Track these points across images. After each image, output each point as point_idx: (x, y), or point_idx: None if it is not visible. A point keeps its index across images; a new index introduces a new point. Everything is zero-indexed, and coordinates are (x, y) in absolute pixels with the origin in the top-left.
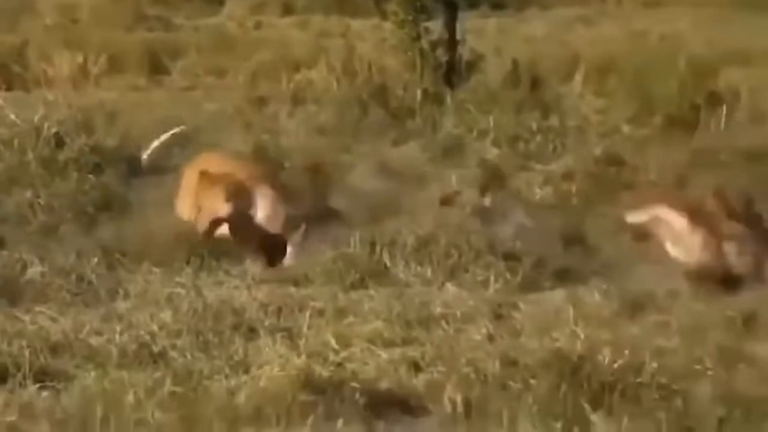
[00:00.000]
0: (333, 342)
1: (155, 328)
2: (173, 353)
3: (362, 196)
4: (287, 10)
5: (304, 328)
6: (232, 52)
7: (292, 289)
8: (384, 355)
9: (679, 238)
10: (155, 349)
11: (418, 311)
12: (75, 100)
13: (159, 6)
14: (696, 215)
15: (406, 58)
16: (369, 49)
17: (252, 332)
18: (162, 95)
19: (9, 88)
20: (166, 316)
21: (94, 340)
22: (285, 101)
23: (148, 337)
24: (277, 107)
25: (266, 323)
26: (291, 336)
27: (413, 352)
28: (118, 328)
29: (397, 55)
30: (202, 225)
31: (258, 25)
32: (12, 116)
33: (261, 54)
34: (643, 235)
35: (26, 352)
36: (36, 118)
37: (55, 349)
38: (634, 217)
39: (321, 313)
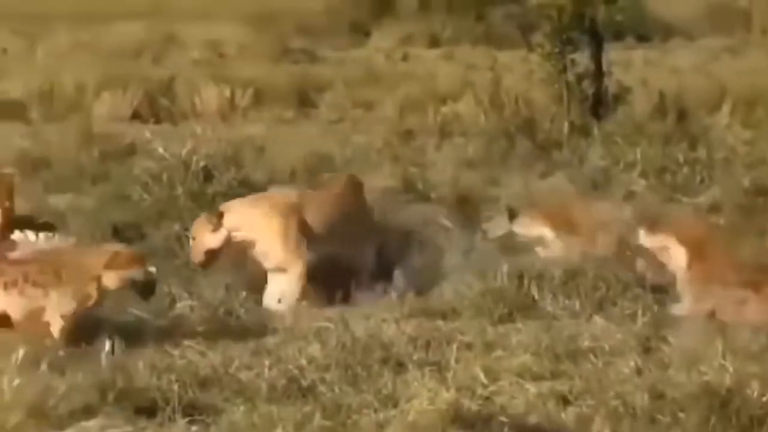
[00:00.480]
0: (481, 376)
1: (304, 362)
2: (322, 387)
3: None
4: (434, 43)
5: (453, 362)
6: (379, 85)
7: (441, 323)
8: (532, 388)
9: None
10: (304, 383)
11: (566, 344)
12: (223, 134)
13: (305, 39)
14: None
15: (552, 90)
16: (516, 82)
17: (400, 366)
18: (310, 128)
19: (157, 122)
20: (315, 350)
21: (243, 375)
22: (432, 134)
23: (296, 372)
24: (425, 140)
25: (415, 357)
26: (439, 369)
27: (561, 385)
28: (267, 363)
29: (543, 88)
30: (196, 257)
31: (405, 58)
32: (160, 150)
33: (408, 87)
34: None
35: (175, 387)
36: (184, 152)
37: (204, 384)
38: None
39: (469, 346)
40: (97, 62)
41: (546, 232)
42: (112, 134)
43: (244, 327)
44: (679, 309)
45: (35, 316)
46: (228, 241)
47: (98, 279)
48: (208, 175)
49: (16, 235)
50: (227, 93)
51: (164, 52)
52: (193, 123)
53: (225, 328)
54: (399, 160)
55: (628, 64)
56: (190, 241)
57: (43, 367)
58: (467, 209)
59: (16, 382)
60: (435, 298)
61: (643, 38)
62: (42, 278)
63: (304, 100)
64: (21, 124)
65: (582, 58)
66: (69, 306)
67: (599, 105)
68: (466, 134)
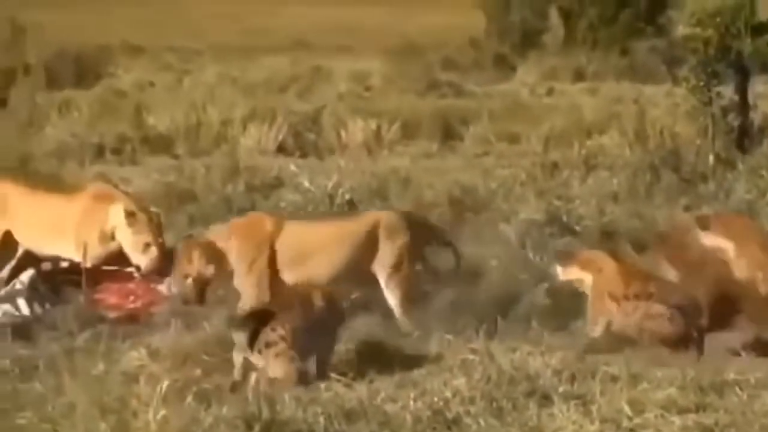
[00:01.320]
0: (627, 408)
1: (449, 394)
2: (467, 420)
3: None
4: (579, 76)
5: (598, 395)
6: (524, 119)
7: (585, 356)
8: (678, 421)
9: None
10: (449, 415)
11: (711, 378)
12: (368, 167)
13: (451, 72)
14: None
15: (698, 123)
16: (661, 115)
17: (546, 399)
18: (454, 161)
19: (303, 155)
20: (460, 382)
21: (389, 407)
22: (577, 167)
23: (441, 404)
24: (569, 173)
25: (560, 389)
26: (585, 402)
27: (707, 419)
28: (412, 395)
29: (689, 121)
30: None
31: (550, 92)
32: (306, 183)
33: (553, 120)
34: None
35: (321, 419)
36: (330, 185)
37: (349, 416)
38: None
39: (614, 379)
40: (244, 96)
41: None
42: (258, 167)
43: (390, 359)
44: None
45: None
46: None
47: None
48: (352, 208)
49: None
50: (373, 126)
51: (310, 85)
52: (338, 156)
53: (371, 360)
54: (543, 193)
55: None
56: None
57: (189, 398)
58: (611, 242)
59: (161, 413)
60: (580, 330)
61: None
62: None
63: (450, 133)
64: (167, 158)
65: (727, 91)
66: None
67: (745, 138)
68: (611, 167)
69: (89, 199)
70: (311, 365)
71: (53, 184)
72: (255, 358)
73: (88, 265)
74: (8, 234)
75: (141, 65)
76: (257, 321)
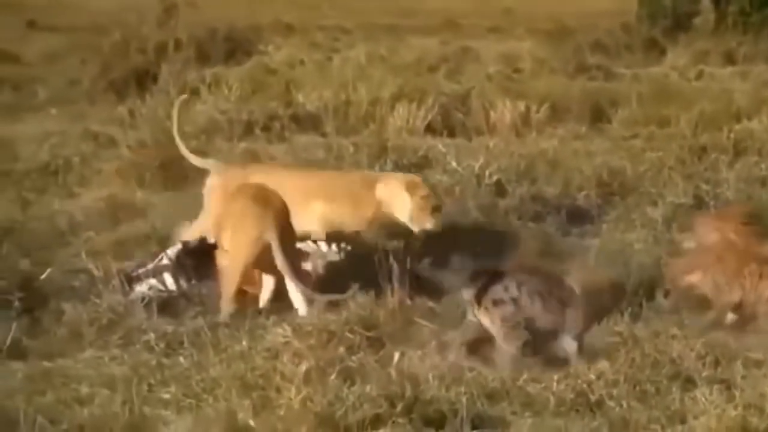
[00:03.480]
0: None
1: (593, 377)
2: (610, 402)
3: None
4: (729, 60)
5: (740, 380)
6: (673, 102)
7: (730, 339)
8: None
9: None
10: (592, 398)
11: None
12: (516, 148)
13: (600, 55)
14: None
15: None
16: None
17: (689, 382)
18: (602, 144)
19: (451, 136)
20: (604, 365)
21: (531, 388)
22: (726, 151)
23: (585, 386)
24: (718, 157)
25: (704, 374)
26: (728, 387)
27: None
28: (555, 377)
29: None
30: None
31: (699, 75)
32: (453, 164)
33: (702, 104)
34: None
35: (463, 399)
36: (477, 166)
37: (492, 396)
38: None
39: (758, 364)
40: (393, 75)
41: None
42: (406, 147)
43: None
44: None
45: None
46: None
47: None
48: (500, 190)
49: (309, 246)
50: (522, 108)
51: (459, 66)
52: (486, 137)
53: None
54: (691, 177)
55: None
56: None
57: (332, 376)
58: (760, 226)
59: (305, 391)
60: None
61: None
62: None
63: (598, 116)
64: (316, 136)
65: None
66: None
67: None
68: (760, 152)
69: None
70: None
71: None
72: (481, 314)
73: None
74: None
75: (291, 43)
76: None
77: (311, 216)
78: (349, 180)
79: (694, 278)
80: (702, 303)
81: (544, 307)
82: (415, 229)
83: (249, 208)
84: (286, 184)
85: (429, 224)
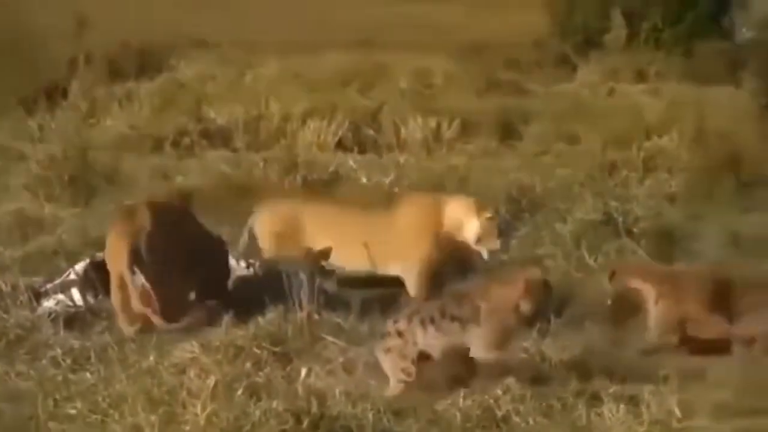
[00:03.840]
0: (677, 411)
1: (499, 392)
2: (516, 418)
3: (710, 264)
4: (640, 77)
5: (648, 396)
6: (584, 119)
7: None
8: (728, 426)
9: None
10: (498, 413)
11: (763, 380)
12: (427, 165)
13: (512, 71)
14: None
15: (758, 126)
16: (721, 118)
17: (595, 399)
18: (513, 160)
19: (362, 152)
20: (511, 381)
21: (438, 405)
22: (636, 168)
23: (491, 402)
24: (628, 174)
25: (610, 390)
26: (635, 403)
27: (758, 423)
28: (462, 393)
29: (749, 124)
30: None
31: (610, 92)
32: (364, 179)
33: (613, 121)
34: None
35: (370, 415)
36: (387, 182)
37: (398, 413)
38: None
39: (665, 380)
40: (305, 91)
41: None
42: (317, 163)
43: None
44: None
45: (455, 352)
46: None
47: (517, 309)
48: None
49: None
50: (433, 124)
51: (372, 81)
52: (397, 153)
53: None
54: (601, 193)
55: None
56: None
57: (239, 392)
58: (667, 243)
59: (211, 406)
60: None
61: None
62: (460, 312)
63: (509, 132)
64: (226, 151)
65: None
66: (491, 340)
67: None
68: (670, 169)
69: (415, 208)
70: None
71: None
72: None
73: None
74: None
75: (203, 59)
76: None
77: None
78: (402, 212)
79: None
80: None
81: (437, 331)
82: (483, 250)
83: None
84: (341, 222)
85: (496, 245)
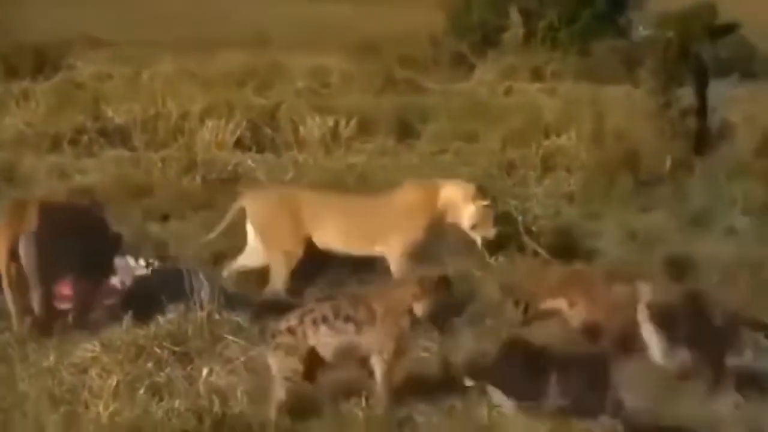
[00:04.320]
0: None
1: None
2: (419, 418)
3: (608, 263)
4: (537, 76)
5: None
6: (482, 117)
7: None
8: None
9: None
10: (400, 414)
11: None
12: (325, 163)
13: (409, 70)
14: None
15: (656, 125)
16: (619, 117)
17: None
18: (412, 159)
19: (260, 151)
20: (411, 379)
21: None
22: (534, 167)
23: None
24: (527, 173)
25: None
26: None
27: None
28: (364, 393)
29: (647, 123)
30: None
31: (508, 91)
32: (262, 178)
33: (511, 120)
34: None
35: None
36: (286, 180)
37: (301, 413)
38: None
39: None
40: (202, 90)
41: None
42: (215, 161)
43: None
44: None
45: (349, 353)
46: None
47: (410, 311)
48: None
49: (117, 261)
50: (330, 123)
51: (268, 81)
52: (295, 152)
53: None
54: (500, 192)
55: (733, 101)
56: None
57: (141, 391)
58: (567, 241)
59: (113, 406)
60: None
61: (749, 74)
62: (355, 314)
63: (407, 131)
64: (124, 150)
65: (686, 94)
66: (385, 343)
67: (702, 141)
68: (568, 168)
69: (412, 191)
70: None
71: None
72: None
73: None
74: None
75: (100, 58)
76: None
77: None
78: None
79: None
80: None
81: (329, 329)
82: (477, 237)
83: None
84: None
85: (491, 233)
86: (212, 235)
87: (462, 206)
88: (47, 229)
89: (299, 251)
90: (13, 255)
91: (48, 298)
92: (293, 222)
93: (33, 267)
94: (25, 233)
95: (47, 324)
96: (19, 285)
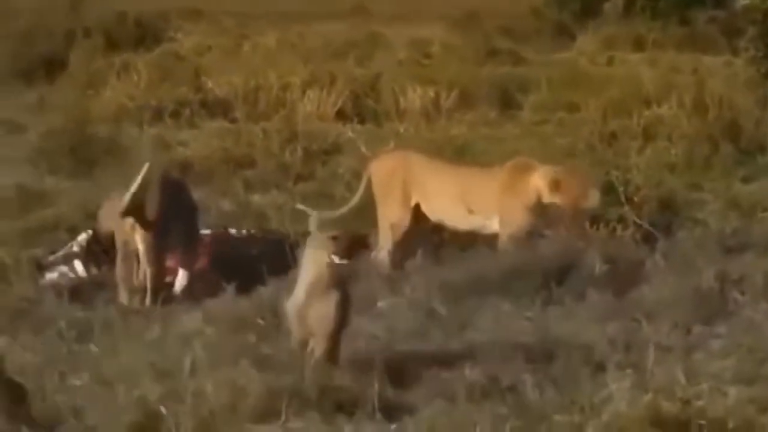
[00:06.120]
0: (681, 378)
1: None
2: (522, 388)
3: (711, 232)
4: (638, 46)
5: (651, 365)
6: (583, 88)
7: (640, 325)
8: (733, 392)
9: None
10: (504, 383)
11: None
12: (426, 134)
13: (510, 40)
14: None
15: (756, 94)
16: (720, 86)
17: (600, 368)
18: (512, 130)
19: (361, 122)
20: (515, 349)
21: (445, 374)
22: (635, 137)
23: (496, 372)
24: (628, 143)
25: (614, 359)
26: (638, 371)
27: (763, 391)
28: (468, 363)
29: (747, 91)
30: None
31: (609, 61)
32: (363, 149)
33: (612, 90)
34: None
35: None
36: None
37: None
38: None
39: (669, 349)
40: (303, 61)
41: None
42: (316, 133)
43: (445, 326)
44: None
45: None
46: None
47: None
48: None
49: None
50: (431, 94)
51: (369, 52)
52: (396, 123)
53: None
54: (601, 162)
55: None
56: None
57: (243, 363)
58: (669, 212)
59: (216, 377)
60: (635, 300)
61: None
62: None
63: (508, 102)
64: (225, 122)
65: None
66: None
67: None
68: (670, 138)
69: (509, 171)
70: None
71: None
72: None
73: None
74: (418, 206)
75: (200, 30)
76: None
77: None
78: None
79: None
80: None
81: None
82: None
83: None
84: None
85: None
86: (345, 209)
87: (587, 192)
88: (166, 203)
89: (406, 221)
90: (134, 228)
91: (161, 271)
92: (403, 189)
93: (154, 241)
94: (149, 208)
95: (156, 296)
96: (131, 258)
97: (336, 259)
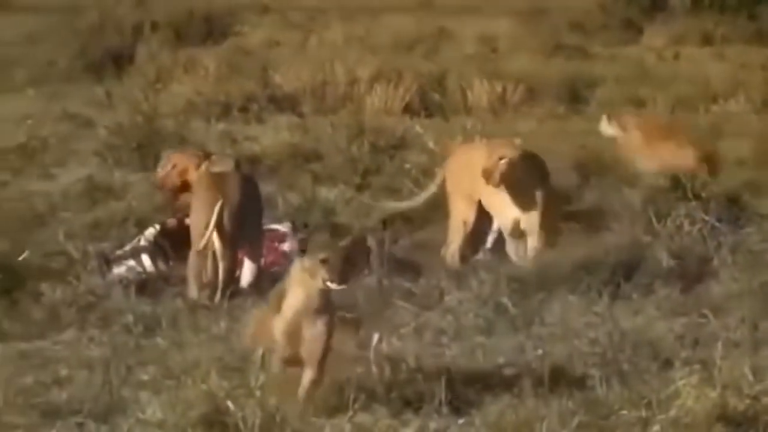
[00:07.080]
0: (749, 374)
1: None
2: (589, 381)
3: None
4: (706, 41)
5: (719, 360)
6: (650, 83)
7: (708, 320)
8: None
9: None
10: (572, 375)
11: None
12: (494, 129)
13: (577, 35)
14: None
15: None
16: None
17: (667, 363)
18: (579, 124)
19: (428, 116)
20: (582, 344)
21: (508, 370)
22: (702, 132)
23: (564, 364)
24: None
25: (682, 354)
26: (706, 367)
27: None
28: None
29: None
30: None
31: (676, 56)
32: (431, 144)
33: (679, 85)
34: None
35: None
36: None
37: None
38: None
39: (737, 345)
40: (370, 56)
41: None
42: (384, 127)
43: (512, 320)
44: None
45: None
46: None
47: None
48: None
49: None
50: (499, 88)
51: (436, 46)
52: (463, 117)
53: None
54: None
55: None
56: None
57: None
58: (736, 208)
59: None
60: (702, 296)
61: None
62: None
63: (575, 96)
64: (293, 117)
65: None
66: None
67: None
68: (737, 133)
69: None
70: None
71: None
72: None
73: None
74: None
75: (267, 24)
76: None
77: None
78: None
79: None
80: None
81: None
82: None
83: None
84: None
85: None
86: (419, 200)
87: None
88: (244, 199)
89: (471, 217)
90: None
91: (234, 266)
92: (470, 182)
93: (230, 237)
94: (230, 204)
95: (225, 291)
96: (206, 253)
97: (333, 285)
